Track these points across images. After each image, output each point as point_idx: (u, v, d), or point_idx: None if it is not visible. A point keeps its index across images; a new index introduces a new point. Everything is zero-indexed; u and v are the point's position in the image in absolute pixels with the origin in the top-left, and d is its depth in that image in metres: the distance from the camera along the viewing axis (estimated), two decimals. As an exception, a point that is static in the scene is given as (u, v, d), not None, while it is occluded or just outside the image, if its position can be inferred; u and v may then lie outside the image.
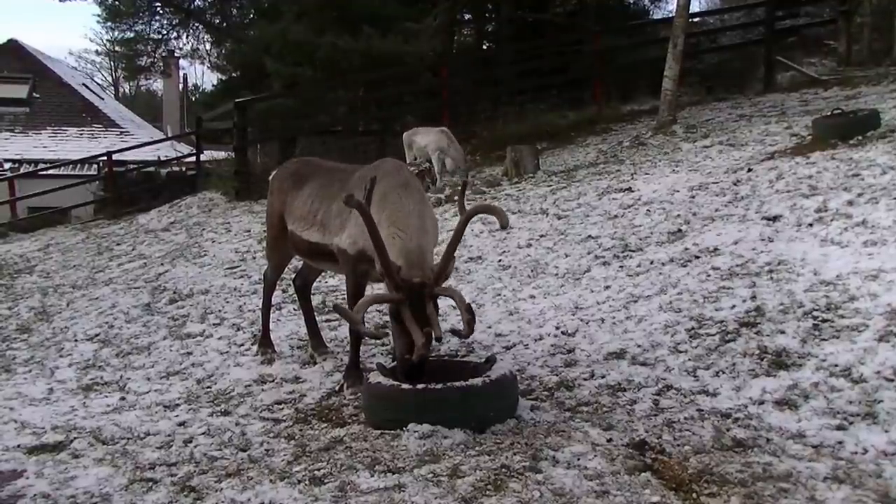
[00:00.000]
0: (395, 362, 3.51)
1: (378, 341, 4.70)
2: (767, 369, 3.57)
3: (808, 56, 14.78)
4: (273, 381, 4.34)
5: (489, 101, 15.23)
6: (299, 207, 4.28)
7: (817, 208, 5.13)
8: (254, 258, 7.73)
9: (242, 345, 5.06)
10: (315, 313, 4.94)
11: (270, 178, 4.77)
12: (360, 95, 15.32)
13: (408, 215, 3.62)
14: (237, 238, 8.99)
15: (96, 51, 37.02)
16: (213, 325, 5.56)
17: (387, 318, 5.16)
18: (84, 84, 25.15)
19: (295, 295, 5.12)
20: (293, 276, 5.15)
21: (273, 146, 15.94)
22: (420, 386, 3.21)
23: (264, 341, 4.80)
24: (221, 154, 15.38)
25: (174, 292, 6.66)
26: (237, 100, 12.88)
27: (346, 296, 4.12)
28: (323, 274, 5.77)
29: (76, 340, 5.52)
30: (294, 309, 5.68)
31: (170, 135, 21.23)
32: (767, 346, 3.75)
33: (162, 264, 8.16)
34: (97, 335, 5.61)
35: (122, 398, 4.24)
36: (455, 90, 14.39)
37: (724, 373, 3.64)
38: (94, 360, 5.05)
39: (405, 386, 3.22)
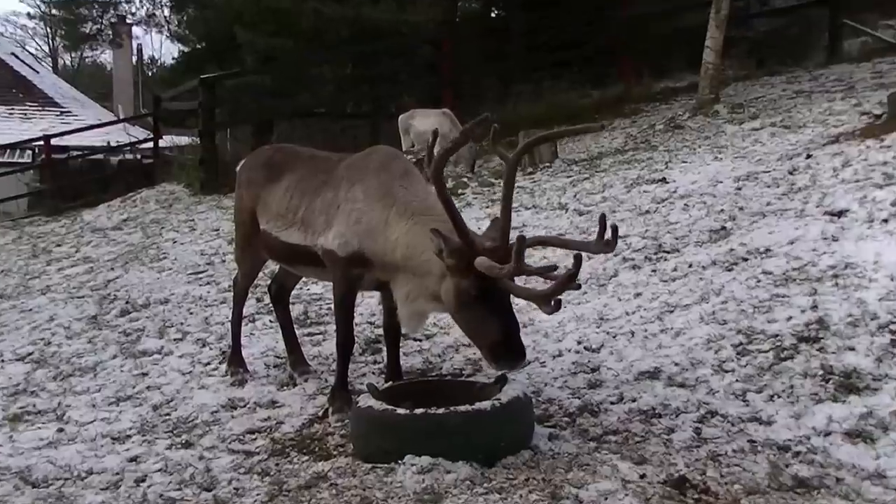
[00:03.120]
0: (389, 383, 3.49)
1: (370, 359, 4.67)
2: (834, 393, 3.53)
3: (885, 17, 14.05)
4: (245, 405, 4.32)
5: (498, 79, 15.27)
6: (275, 203, 4.26)
7: (893, 201, 5.07)
8: (223, 261, 7.71)
9: (208, 364, 5.04)
10: (295, 326, 4.91)
11: (238, 168, 4.75)
12: (349, 72, 15.36)
13: (424, 200, 3.67)
14: (203, 238, 8.97)
15: (28, 13, 36.47)
16: (174, 340, 5.53)
17: (379, 331, 5.17)
18: (13, 54, 24.16)
19: (271, 304, 5.09)
20: (269, 282, 5.14)
21: (245, 130, 15.95)
22: (419, 411, 3.19)
23: (234, 359, 4.79)
24: (184, 139, 15.35)
25: (127, 302, 6.63)
26: (203, 76, 12.88)
27: (332, 306, 4.10)
28: (304, 279, 5.75)
29: (3, 361, 5.44)
30: (270, 321, 5.65)
31: (122, 116, 21.12)
32: (833, 365, 3.71)
33: (112, 269, 8.13)
34: (30, 354, 5.53)
35: (60, 430, 4.18)
36: (459, 66, 14.42)
37: (779, 397, 3.61)
38: (25, 384, 4.97)
39: (401, 411, 3.21)
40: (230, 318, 4.99)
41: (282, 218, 4.19)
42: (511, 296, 3.35)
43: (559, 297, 3.13)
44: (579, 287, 3.62)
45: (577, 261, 3.03)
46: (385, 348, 4.30)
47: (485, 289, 3.29)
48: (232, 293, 4.99)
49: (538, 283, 3.76)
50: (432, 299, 3.55)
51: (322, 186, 4.01)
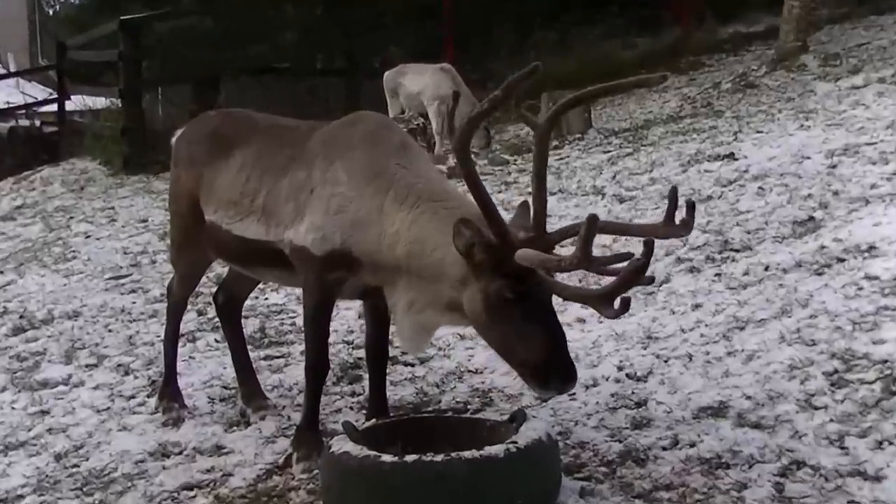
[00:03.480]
0: (371, 421, 3.50)
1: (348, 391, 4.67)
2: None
3: None
4: (181, 452, 4.30)
5: (514, 26, 15.27)
6: (225, 186, 4.26)
7: None
8: (152, 263, 7.72)
9: (133, 397, 5.04)
10: (249, 347, 4.92)
11: (174, 140, 4.74)
12: (318, 14, 15.37)
13: (430, 182, 3.73)
14: (126, 232, 8.97)
15: None
16: (86, 367, 5.52)
17: (359, 353, 5.17)
18: None
19: (217, 319, 5.09)
20: (214, 289, 5.13)
21: (182, 91, 15.94)
22: (410, 457, 3.19)
23: (167, 391, 4.78)
24: (100, 101, 15.40)
25: (21, 316, 6.62)
26: (123, 17, 12.91)
27: (300, 319, 4.12)
28: (262, 285, 5.76)
29: None
30: (216, 340, 5.64)
31: (13, 69, 21.13)
32: (961, 400, 3.72)
33: (1, 272, 8.13)
34: None
35: (-73, 489, 4.18)
36: (463, 8, 14.43)
37: (891, 443, 3.58)
38: None
39: (387, 458, 3.21)
40: (162, 337, 4.98)
41: (234, 206, 4.19)
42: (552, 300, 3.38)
43: (626, 296, 3.11)
44: (651, 281, 3.66)
45: (648, 248, 3.01)
46: (367, 375, 4.29)
47: (523, 292, 3.34)
48: (165, 304, 4.98)
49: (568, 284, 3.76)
50: (445, 309, 3.57)
51: (289, 165, 4.02)
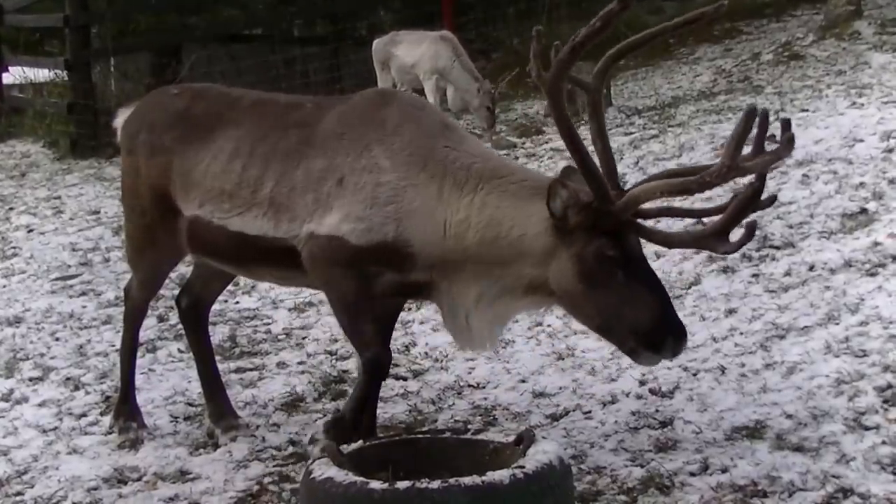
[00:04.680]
0: (358, 442, 3.52)
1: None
2: None
3: None
4: (140, 478, 4.31)
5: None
6: (212, 175, 4.25)
7: None
8: (105, 261, 7.72)
9: (84, 415, 5.04)
10: (217, 357, 4.93)
11: (119, 122, 4.73)
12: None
13: (488, 160, 3.90)
14: (75, 225, 8.95)
15: None
16: (29, 381, 5.53)
17: (343, 365, 5.21)
18: None
19: (180, 325, 5.11)
20: (176, 291, 5.15)
21: (139, 61, 15.95)
22: (402, 483, 3.22)
23: (124, 409, 4.78)
24: (43, 73, 15.36)
25: (-46, 323, 6.64)
26: (70, -25, 12.88)
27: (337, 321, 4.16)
28: (232, 287, 5.76)
29: None
30: (179, 350, 5.67)
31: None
32: None
33: (-70, 272, 8.13)
34: None
35: None
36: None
37: (952, 468, 3.64)
38: None
39: (376, 484, 3.23)
40: (118, 346, 5.00)
41: (230, 198, 4.19)
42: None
43: (750, 220, 3.36)
44: (772, 201, 3.68)
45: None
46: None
47: (624, 248, 3.57)
48: (121, 310, 4.97)
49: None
50: (525, 293, 3.76)
51: (300, 150, 4.05)
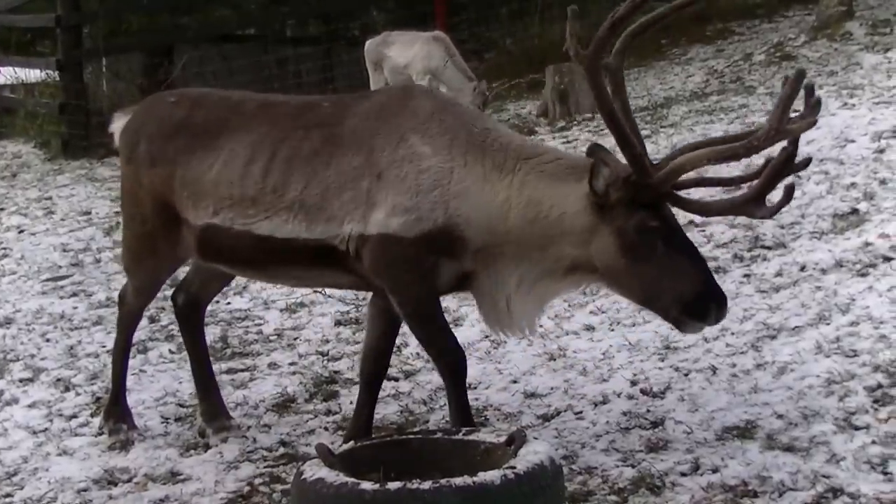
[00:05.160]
0: (350, 443, 3.53)
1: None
2: None
3: None
4: (130, 480, 4.32)
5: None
6: (229, 183, 4.22)
7: None
8: (96, 261, 7.71)
9: (74, 416, 5.05)
10: (211, 357, 4.93)
11: (116, 128, 4.69)
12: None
13: (522, 142, 4.07)
14: (66, 225, 8.95)
15: None
16: (19, 382, 5.53)
17: (334, 366, 5.21)
18: None
19: (171, 327, 5.11)
20: (170, 292, 5.10)
21: (131, 62, 15.92)
22: (393, 484, 3.22)
23: (114, 410, 4.79)
24: (34, 74, 15.33)
25: (-58, 324, 6.62)
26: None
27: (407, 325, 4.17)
28: (230, 284, 5.73)
29: None
30: (170, 351, 5.68)
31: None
32: None
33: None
34: None
35: None
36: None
37: (943, 469, 3.65)
38: None
39: (367, 485, 3.23)
40: (109, 347, 5.02)
41: (253, 203, 4.16)
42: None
43: (788, 182, 3.49)
44: (808, 163, 3.85)
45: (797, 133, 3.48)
46: (344, 391, 4.32)
47: (664, 218, 3.71)
48: (110, 309, 4.97)
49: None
50: (566, 273, 3.88)
51: (329, 149, 4.06)
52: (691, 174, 3.80)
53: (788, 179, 3.54)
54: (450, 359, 4.04)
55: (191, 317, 4.82)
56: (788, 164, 3.52)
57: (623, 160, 3.69)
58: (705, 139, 4.21)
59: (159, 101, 4.80)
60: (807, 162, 3.79)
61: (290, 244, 4.11)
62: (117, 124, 4.73)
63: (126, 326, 4.86)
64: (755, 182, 3.60)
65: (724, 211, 3.89)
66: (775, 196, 3.59)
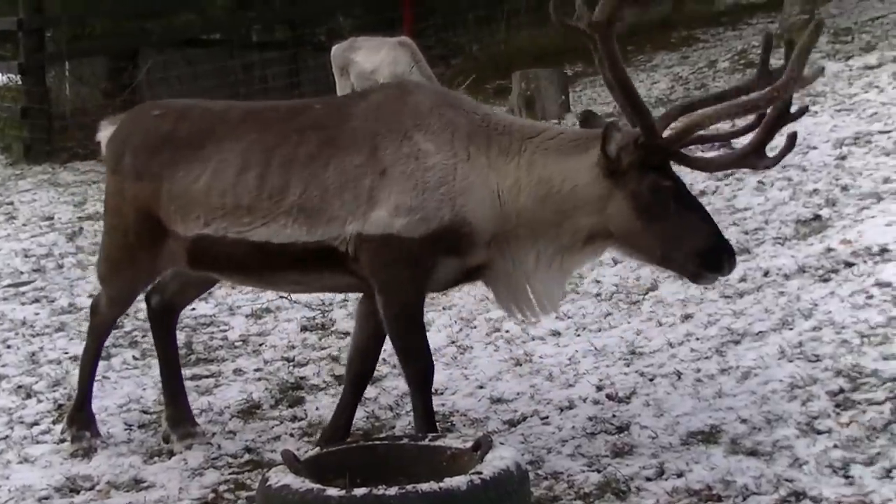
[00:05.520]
0: (317, 447, 3.52)
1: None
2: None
3: None
4: (93, 487, 4.29)
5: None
6: (222, 192, 4.19)
7: None
8: (59, 267, 7.64)
9: (36, 423, 5.00)
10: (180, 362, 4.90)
11: (103, 137, 4.64)
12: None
13: (522, 123, 4.15)
14: (28, 231, 8.87)
15: None
16: (-20, 388, 5.50)
17: (300, 372, 5.20)
18: None
19: (135, 332, 5.06)
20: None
21: (95, 65, 15.83)
22: (359, 490, 3.22)
23: (78, 416, 4.74)
24: (-5, 77, 15.22)
25: None
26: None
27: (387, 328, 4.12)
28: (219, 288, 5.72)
29: None
30: (135, 357, 5.65)
31: None
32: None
33: None
34: None
35: None
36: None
37: (900, 471, 3.68)
38: None
39: (333, 491, 3.22)
40: (70, 353, 4.98)
41: (249, 211, 4.14)
42: None
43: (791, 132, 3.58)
44: (804, 112, 3.92)
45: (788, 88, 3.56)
46: (309, 397, 4.30)
47: (674, 178, 3.82)
48: (89, 323, 4.86)
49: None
50: (584, 244, 3.95)
51: (327, 150, 4.05)
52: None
53: (790, 127, 3.64)
54: (420, 365, 4.05)
55: (164, 320, 4.77)
56: (785, 114, 3.61)
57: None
58: (698, 98, 4.29)
59: (143, 113, 4.73)
60: (803, 111, 3.87)
61: (289, 248, 4.10)
62: (104, 133, 4.69)
63: (98, 336, 4.81)
64: (754, 134, 3.70)
65: (727, 165, 4.00)
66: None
